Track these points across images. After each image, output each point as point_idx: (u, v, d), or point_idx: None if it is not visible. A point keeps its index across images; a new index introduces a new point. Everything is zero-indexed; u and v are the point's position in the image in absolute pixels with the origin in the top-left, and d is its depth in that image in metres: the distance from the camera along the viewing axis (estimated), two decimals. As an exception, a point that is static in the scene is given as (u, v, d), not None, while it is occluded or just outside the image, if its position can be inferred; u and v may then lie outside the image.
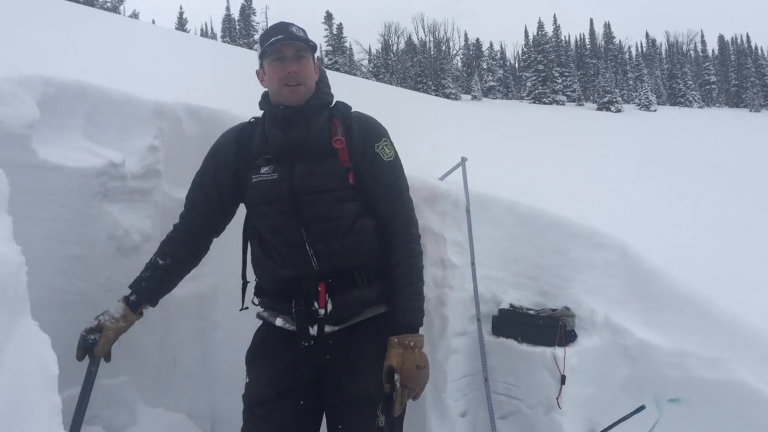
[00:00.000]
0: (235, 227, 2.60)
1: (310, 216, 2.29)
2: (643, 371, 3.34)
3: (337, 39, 65.37)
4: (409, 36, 77.72)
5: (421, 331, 2.34)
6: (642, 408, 3.04)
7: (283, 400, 2.31)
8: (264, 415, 2.30)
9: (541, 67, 63.97)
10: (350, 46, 71.03)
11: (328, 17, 65.76)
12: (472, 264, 3.57)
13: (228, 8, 71.43)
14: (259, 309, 2.52)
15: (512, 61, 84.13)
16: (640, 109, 57.31)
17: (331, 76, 2.63)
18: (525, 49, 72.20)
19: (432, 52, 73.95)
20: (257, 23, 66.36)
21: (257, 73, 2.51)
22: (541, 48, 66.31)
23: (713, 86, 76.39)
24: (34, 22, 5.88)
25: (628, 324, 3.43)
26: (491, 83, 68.28)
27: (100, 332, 2.38)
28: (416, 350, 2.26)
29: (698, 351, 3.25)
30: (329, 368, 2.35)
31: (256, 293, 2.51)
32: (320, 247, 2.29)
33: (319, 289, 2.30)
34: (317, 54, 2.61)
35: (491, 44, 78.33)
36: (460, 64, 78.51)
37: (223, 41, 58.33)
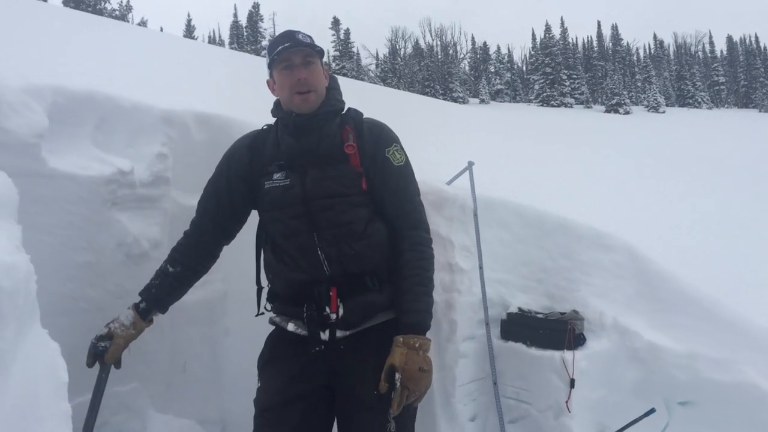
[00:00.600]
0: (245, 233, 2.61)
1: (323, 221, 2.31)
2: (653, 374, 3.34)
3: (344, 44, 65.43)
4: (417, 40, 77.75)
5: (429, 335, 2.32)
6: (652, 411, 3.02)
7: (293, 405, 2.31)
8: (274, 419, 2.31)
9: (548, 69, 63.86)
10: (357, 51, 71.10)
11: (335, 23, 65.86)
12: (480, 268, 3.57)
13: (235, 15, 71.60)
14: (272, 314, 2.53)
15: (520, 64, 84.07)
16: (648, 111, 57.04)
17: (339, 81, 2.64)
18: (532, 52, 72.15)
19: (439, 56, 73.97)
20: (264, 29, 66.63)
21: (268, 83, 2.53)
22: (549, 51, 66.20)
23: (722, 87, 75.91)
24: (42, 31, 5.93)
25: (636, 326, 3.43)
26: (499, 86, 68.16)
27: (110, 340, 2.40)
28: (421, 352, 2.23)
29: (707, 353, 3.24)
30: (340, 373, 2.35)
31: (269, 298, 2.52)
32: (332, 252, 2.30)
33: (331, 293, 2.30)
34: (325, 59, 2.62)
35: (498, 47, 78.65)
36: (467, 68, 78.45)
37: (231, 48, 58.53)
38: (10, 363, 1.32)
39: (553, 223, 3.81)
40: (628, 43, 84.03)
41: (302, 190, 2.32)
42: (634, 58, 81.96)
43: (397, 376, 2.17)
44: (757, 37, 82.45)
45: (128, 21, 46.26)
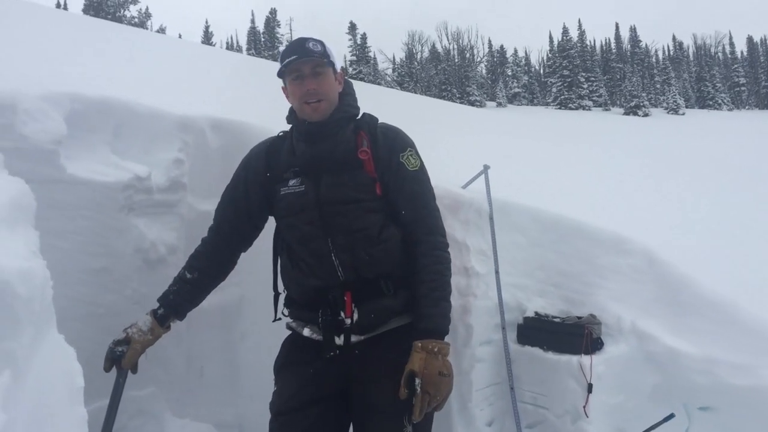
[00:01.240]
0: (261, 239, 2.62)
1: (337, 226, 2.31)
2: (672, 379, 3.30)
3: (361, 49, 65.53)
4: (433, 44, 77.69)
5: (447, 339, 2.31)
6: (671, 416, 2.99)
7: (307, 409, 2.32)
8: (288, 423, 2.31)
9: (566, 72, 63.59)
10: (374, 55, 71.17)
11: (352, 27, 65.98)
12: (496, 272, 3.56)
13: (253, 21, 72.06)
14: (288, 319, 2.54)
15: (537, 67, 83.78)
16: (668, 113, 56.62)
17: (356, 86, 2.64)
18: (550, 55, 71.93)
19: (456, 60, 73.91)
20: (282, 35, 67.03)
21: (283, 90, 2.54)
22: (566, 53, 65.95)
23: (743, 88, 75.09)
24: (61, 39, 5.99)
25: (654, 331, 3.39)
26: (516, 90, 68.01)
27: (127, 344, 2.42)
28: (440, 356, 2.22)
29: (727, 357, 3.20)
30: (355, 378, 2.35)
31: (286, 304, 2.53)
32: (345, 257, 2.31)
33: (345, 298, 2.31)
34: (342, 65, 2.62)
35: (515, 51, 78.13)
36: (484, 71, 78.33)
37: (249, 54, 58.86)
38: (27, 368, 1.33)
39: (569, 226, 3.78)
40: (646, 44, 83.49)
41: (316, 196, 2.33)
42: (653, 59, 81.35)
43: (417, 381, 2.15)
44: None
45: (147, 28, 46.64)
